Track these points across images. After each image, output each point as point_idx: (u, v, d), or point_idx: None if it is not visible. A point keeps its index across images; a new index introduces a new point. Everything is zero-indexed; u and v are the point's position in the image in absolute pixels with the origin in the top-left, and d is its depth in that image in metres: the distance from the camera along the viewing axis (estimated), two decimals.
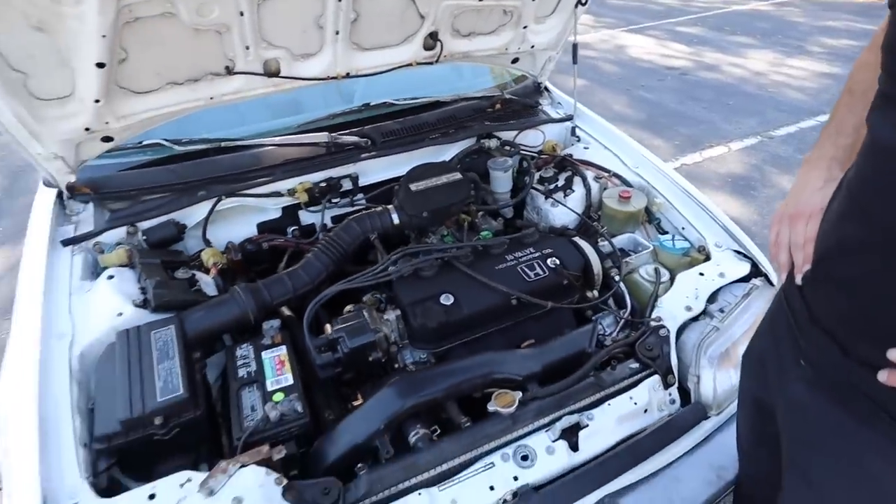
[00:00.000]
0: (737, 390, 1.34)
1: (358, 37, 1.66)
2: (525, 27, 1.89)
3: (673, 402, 1.36)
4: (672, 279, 1.59)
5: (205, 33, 1.43)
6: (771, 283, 1.56)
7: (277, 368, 1.31)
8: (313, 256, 1.54)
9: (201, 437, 1.23)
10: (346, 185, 1.84)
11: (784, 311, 0.95)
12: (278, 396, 1.23)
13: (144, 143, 1.78)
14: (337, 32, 1.59)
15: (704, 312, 1.49)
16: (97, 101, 1.45)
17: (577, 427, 1.24)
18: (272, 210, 1.80)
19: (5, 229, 3.71)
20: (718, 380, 1.39)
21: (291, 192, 1.77)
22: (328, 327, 1.40)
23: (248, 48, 1.52)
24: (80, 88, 1.42)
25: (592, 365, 1.35)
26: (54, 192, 1.72)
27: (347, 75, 1.75)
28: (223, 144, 1.77)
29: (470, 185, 1.75)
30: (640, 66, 5.81)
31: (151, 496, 1.04)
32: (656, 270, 1.65)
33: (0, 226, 3.79)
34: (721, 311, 1.50)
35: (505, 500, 1.13)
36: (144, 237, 1.60)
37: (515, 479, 1.16)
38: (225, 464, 1.09)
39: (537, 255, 1.57)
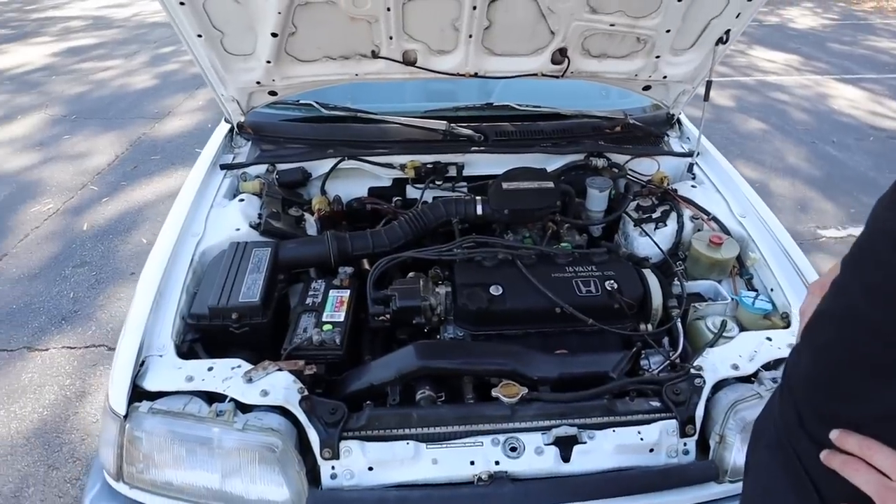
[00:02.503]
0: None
1: (490, 42, 1.82)
2: (658, 57, 1.89)
3: (687, 452, 1.33)
4: None
5: (357, 21, 1.70)
6: None
7: (336, 305, 1.55)
8: (398, 224, 1.75)
9: (263, 341, 1.50)
10: (452, 171, 2.03)
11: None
12: (327, 327, 1.47)
13: (301, 101, 2.14)
14: (470, 36, 1.76)
15: (755, 377, 1.42)
16: (268, 62, 1.80)
17: (573, 439, 1.27)
18: (385, 179, 2.06)
19: None
20: (743, 448, 1.32)
21: (402, 167, 2.00)
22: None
23: (391, 38, 1.76)
24: (258, 50, 1.78)
25: (608, 389, 1.37)
26: (228, 127, 2.16)
27: (475, 75, 1.92)
28: (358, 115, 2.06)
29: (558, 195, 1.82)
30: (839, 121, 5.14)
31: (210, 368, 1.33)
32: (723, 322, 1.59)
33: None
34: (774, 381, 1.40)
35: (480, 478, 1.22)
36: (277, 176, 1.95)
37: (497, 463, 1.24)
38: (267, 363, 1.35)
39: (597, 273, 1.61)
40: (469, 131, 2.03)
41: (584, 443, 1.28)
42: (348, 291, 1.60)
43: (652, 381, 1.41)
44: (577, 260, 1.67)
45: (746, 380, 1.41)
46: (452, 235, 1.81)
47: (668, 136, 2.23)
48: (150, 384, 1.30)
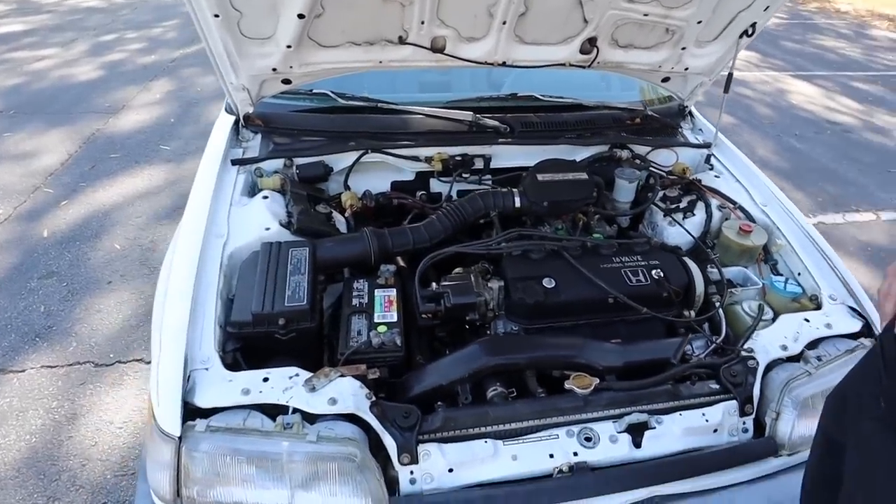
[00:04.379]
0: (806, 439, 1.35)
1: (522, 30, 1.77)
2: (683, 48, 1.91)
3: (746, 431, 1.37)
4: (774, 320, 1.57)
5: (390, 3, 1.61)
6: None
7: (386, 306, 1.46)
8: (436, 218, 1.68)
9: (310, 346, 1.41)
10: (478, 164, 1.97)
11: (875, 355, 0.96)
12: (382, 328, 1.39)
13: (314, 91, 2.02)
14: (504, 23, 1.71)
15: (801, 357, 1.46)
16: (289, 46, 1.68)
17: (644, 426, 1.29)
18: (408, 172, 1.98)
19: (174, 149, 4.28)
20: (798, 423, 1.37)
21: (428, 160, 1.93)
22: (434, 284, 1.54)
23: (422, 23, 1.68)
24: (278, 33, 1.66)
25: (673, 374, 1.38)
26: (232, 119, 2.01)
27: (503, 64, 1.87)
28: (379, 105, 1.97)
29: (593, 186, 1.81)
30: (798, 115, 5.42)
31: (265, 379, 1.23)
32: (760, 307, 1.62)
33: (170, 145, 4.38)
34: (819, 359, 1.46)
35: (561, 470, 1.21)
36: (297, 171, 1.84)
37: (575, 454, 1.23)
38: (328, 370, 1.26)
39: (643, 263, 1.61)
40: (496, 122, 1.97)
41: (654, 428, 1.30)
42: (394, 290, 1.52)
43: (710, 365, 1.43)
44: (620, 250, 1.66)
45: (793, 359, 1.46)
46: (482, 229, 1.76)
47: (681, 128, 2.26)
48: (202, 400, 1.18)
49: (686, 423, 1.32)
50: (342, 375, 1.26)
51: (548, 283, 1.52)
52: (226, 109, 2.08)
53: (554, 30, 1.80)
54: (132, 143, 4.41)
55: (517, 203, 1.75)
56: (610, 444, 1.26)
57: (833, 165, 4.52)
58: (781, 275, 1.79)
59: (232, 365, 1.31)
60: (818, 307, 1.61)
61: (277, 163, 1.87)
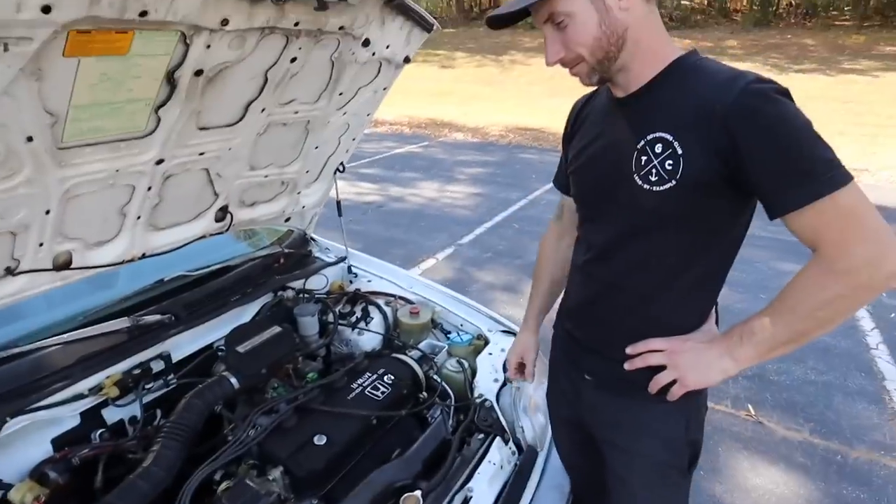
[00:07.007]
0: (545, 427, 1.84)
1: (156, 218, 1.68)
2: (298, 193, 2.18)
3: (514, 453, 1.73)
4: (470, 366, 2.01)
5: None
6: None
7: None
8: (162, 447, 1.42)
9: None
10: (157, 366, 1.73)
11: (562, 362, 1.51)
12: None
13: None
14: (139, 217, 1.60)
15: (506, 380, 1.93)
16: None
17: (466, 501, 1.49)
18: (69, 418, 1.56)
19: None
20: (534, 424, 1.83)
21: (97, 390, 1.58)
22: None
23: (41, 245, 1.41)
24: None
25: (456, 448, 1.62)
26: None
27: (143, 256, 1.72)
28: None
29: (292, 334, 1.87)
30: (343, 205, 6.56)
31: None
32: (459, 362, 2.04)
33: None
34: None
35: None
36: None
37: None
38: None
39: (375, 376, 1.79)
40: (157, 317, 1.78)
41: (471, 497, 1.51)
42: None
43: (468, 424, 1.73)
44: (351, 376, 1.79)
45: (501, 386, 1.92)
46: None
47: (313, 252, 2.53)
48: None
49: (486, 476, 1.58)
50: None
51: (319, 439, 1.52)
52: None
53: (188, 209, 1.78)
54: None
55: (235, 384, 1.64)
56: None
57: (388, 234, 5.71)
58: (450, 332, 2.27)
59: None
60: (486, 342, 2.14)
61: None
